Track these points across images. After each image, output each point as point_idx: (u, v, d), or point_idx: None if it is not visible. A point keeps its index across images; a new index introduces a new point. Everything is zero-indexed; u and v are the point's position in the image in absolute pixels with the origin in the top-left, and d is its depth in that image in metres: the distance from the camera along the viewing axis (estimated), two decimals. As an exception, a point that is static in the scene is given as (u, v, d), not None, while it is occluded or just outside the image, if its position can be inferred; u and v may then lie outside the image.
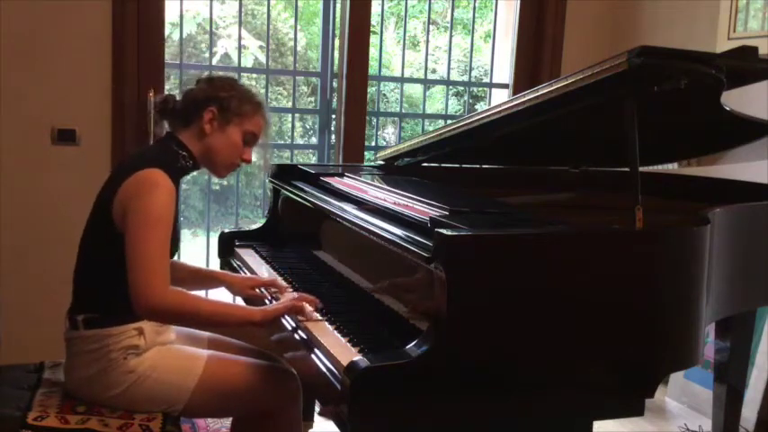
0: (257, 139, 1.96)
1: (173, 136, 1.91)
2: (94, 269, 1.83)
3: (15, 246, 2.97)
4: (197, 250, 5.40)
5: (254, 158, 1.97)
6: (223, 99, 1.88)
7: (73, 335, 1.82)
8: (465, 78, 5.12)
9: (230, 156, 1.92)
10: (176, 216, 1.81)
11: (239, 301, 2.15)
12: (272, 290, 2.00)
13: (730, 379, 2.40)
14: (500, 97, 3.86)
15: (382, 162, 2.62)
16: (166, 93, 1.96)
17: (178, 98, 1.94)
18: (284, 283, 2.02)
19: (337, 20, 3.48)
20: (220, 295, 3.26)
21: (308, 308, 1.75)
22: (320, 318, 1.72)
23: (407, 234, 1.54)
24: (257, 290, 2.04)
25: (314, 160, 4.05)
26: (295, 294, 1.85)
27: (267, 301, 1.96)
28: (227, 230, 2.53)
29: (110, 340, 1.78)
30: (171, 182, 1.77)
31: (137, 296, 1.67)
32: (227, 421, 2.41)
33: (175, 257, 2.06)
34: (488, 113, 2.04)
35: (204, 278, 2.18)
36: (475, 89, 5.81)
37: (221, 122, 1.88)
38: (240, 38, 4.36)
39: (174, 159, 1.87)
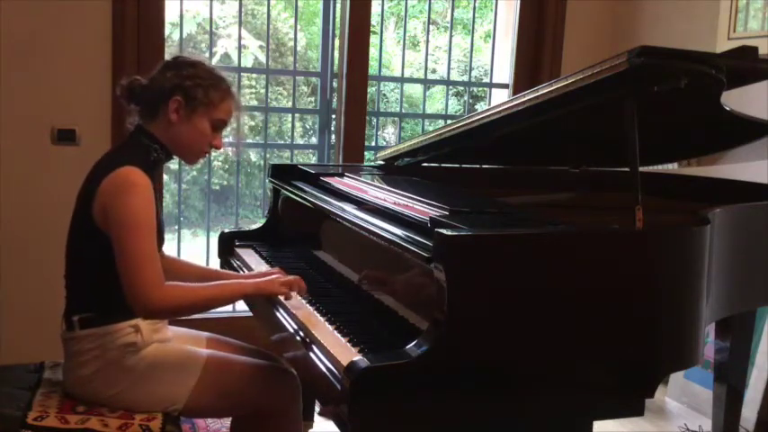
0: (227, 124, 1.93)
1: (142, 129, 1.88)
2: (83, 269, 1.83)
3: (15, 245, 2.97)
4: (197, 250, 5.40)
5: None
6: (188, 88, 1.83)
7: (69, 336, 1.82)
8: (465, 78, 5.12)
9: (198, 144, 1.90)
10: (157, 209, 1.80)
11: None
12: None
13: (730, 379, 2.40)
14: (500, 97, 3.86)
15: (382, 162, 2.62)
16: (131, 77, 1.91)
17: (144, 82, 1.90)
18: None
19: (337, 20, 3.48)
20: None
21: (297, 295, 1.83)
22: (303, 302, 1.81)
23: (407, 234, 1.54)
24: None
25: (314, 160, 4.06)
26: (283, 277, 1.89)
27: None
28: (227, 230, 2.52)
29: (106, 339, 1.78)
30: (147, 178, 1.76)
31: (135, 300, 1.68)
32: (227, 421, 2.41)
33: (171, 253, 2.07)
34: (488, 113, 2.04)
35: (208, 279, 2.17)
36: (475, 89, 5.81)
37: (187, 112, 1.84)
38: (240, 38, 4.36)
39: (147, 153, 1.85)
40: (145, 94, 1.88)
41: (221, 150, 2.00)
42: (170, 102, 1.84)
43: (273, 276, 1.89)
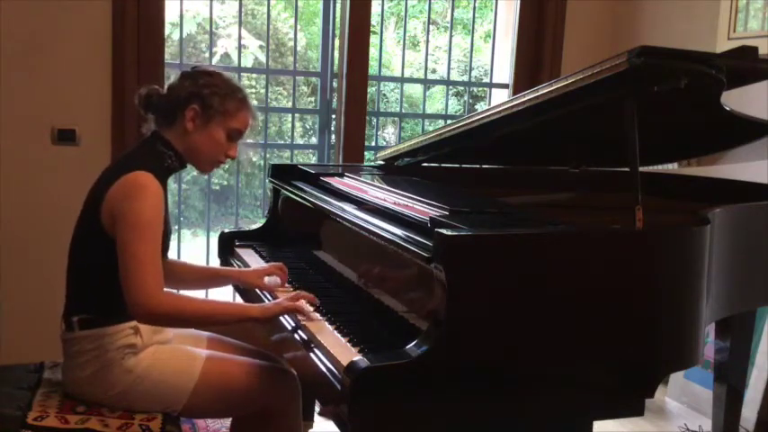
0: (242, 134, 1.94)
1: (158, 135, 1.89)
2: (86, 271, 1.83)
3: (15, 246, 2.97)
4: (197, 250, 5.40)
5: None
6: (205, 96, 1.85)
7: (69, 336, 1.82)
8: (465, 78, 5.12)
9: (213, 153, 1.90)
10: (166, 216, 1.81)
11: (239, 298, 2.15)
12: (274, 292, 2.01)
13: (730, 379, 2.40)
14: (500, 97, 3.86)
15: (382, 162, 2.62)
16: (149, 86, 1.93)
17: (163, 92, 1.91)
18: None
19: (337, 20, 3.48)
20: (221, 292, 3.23)
21: (308, 307, 1.76)
22: (320, 317, 1.72)
23: (407, 234, 1.54)
24: (266, 279, 2.05)
25: (314, 160, 4.05)
26: (292, 293, 1.85)
27: (265, 299, 1.96)
28: (227, 230, 2.53)
29: (106, 340, 1.78)
30: (158, 184, 1.76)
31: (132, 302, 1.68)
32: (227, 421, 2.41)
33: (171, 257, 2.07)
34: (488, 113, 2.04)
35: (210, 277, 2.18)
36: (475, 89, 5.81)
37: (204, 120, 1.86)
38: (240, 38, 4.36)
39: (161, 159, 1.86)
40: (162, 102, 1.89)
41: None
42: (186, 110, 1.85)
43: (279, 300, 1.84)
